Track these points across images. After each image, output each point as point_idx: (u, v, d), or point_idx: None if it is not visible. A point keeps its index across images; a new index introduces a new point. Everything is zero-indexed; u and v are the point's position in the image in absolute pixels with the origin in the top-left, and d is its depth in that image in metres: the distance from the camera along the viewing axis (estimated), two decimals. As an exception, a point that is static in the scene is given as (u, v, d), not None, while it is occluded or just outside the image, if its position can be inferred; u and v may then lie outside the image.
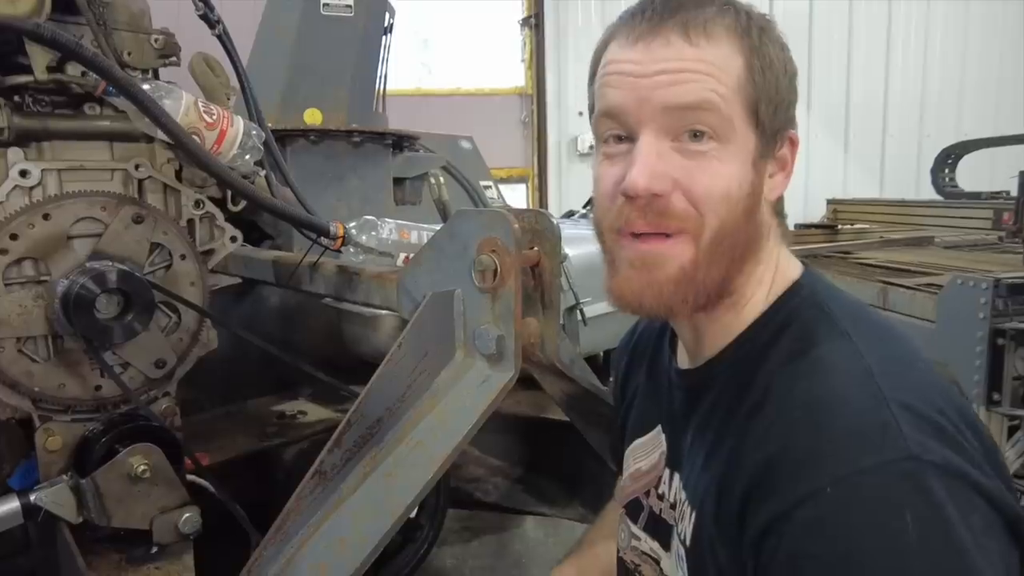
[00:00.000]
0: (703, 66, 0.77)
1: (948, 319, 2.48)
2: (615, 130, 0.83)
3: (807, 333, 0.81)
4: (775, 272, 0.88)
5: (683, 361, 0.97)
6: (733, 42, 0.78)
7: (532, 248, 1.06)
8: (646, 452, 1.04)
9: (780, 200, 0.89)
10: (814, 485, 0.67)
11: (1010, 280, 2.34)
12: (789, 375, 0.78)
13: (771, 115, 0.81)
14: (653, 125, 0.79)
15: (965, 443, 0.69)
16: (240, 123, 1.17)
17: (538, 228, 1.07)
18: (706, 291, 0.83)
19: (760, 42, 0.80)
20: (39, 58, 0.99)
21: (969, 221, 4.85)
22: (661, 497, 0.97)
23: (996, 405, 2.32)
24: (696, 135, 0.78)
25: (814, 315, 0.83)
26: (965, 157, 6.25)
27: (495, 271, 0.98)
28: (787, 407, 0.75)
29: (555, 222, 1.08)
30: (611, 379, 1.23)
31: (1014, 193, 4.15)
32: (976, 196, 5.59)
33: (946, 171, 6.14)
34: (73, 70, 1.06)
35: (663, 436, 1.00)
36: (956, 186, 6.11)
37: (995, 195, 5.38)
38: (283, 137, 2.12)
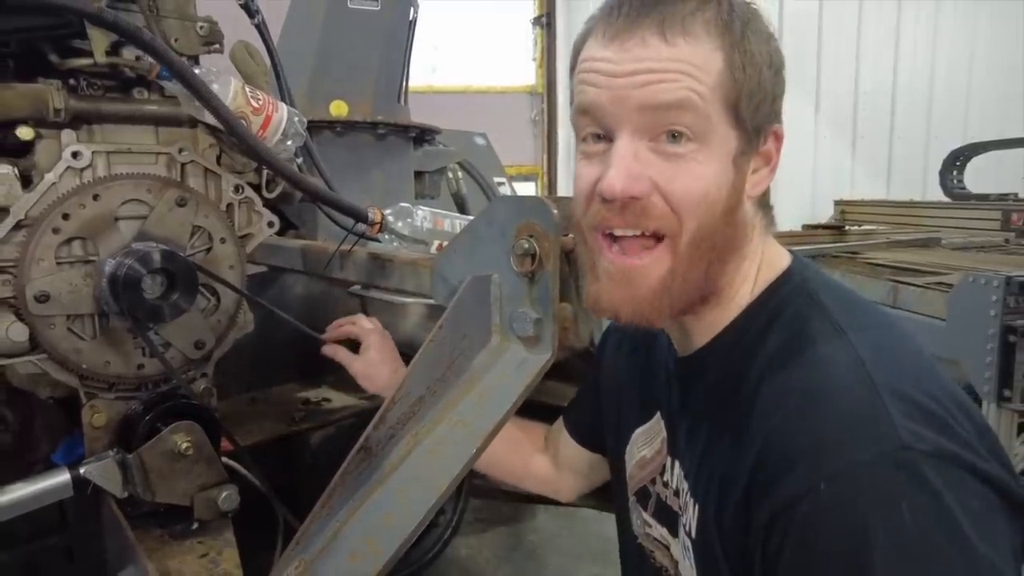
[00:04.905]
0: (680, 65, 0.74)
1: (959, 316, 2.49)
2: (592, 128, 0.81)
3: (798, 323, 0.80)
4: (760, 265, 0.87)
5: (678, 349, 0.97)
6: (713, 38, 0.75)
7: (567, 235, 1.08)
8: (648, 439, 1.04)
9: (766, 193, 0.86)
10: (811, 480, 0.67)
11: (1022, 278, 2.35)
12: (782, 366, 0.77)
13: (753, 111, 0.78)
14: (630, 125, 0.76)
15: (957, 426, 0.68)
16: (284, 109, 1.20)
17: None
18: (686, 297, 0.82)
19: (743, 36, 0.76)
20: (99, 42, 1.02)
21: (977, 222, 4.87)
22: (666, 485, 0.98)
23: (1007, 402, 2.33)
24: (674, 136, 0.76)
25: (804, 304, 0.82)
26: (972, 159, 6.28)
27: (534, 255, 1.00)
28: (780, 399, 0.75)
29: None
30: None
31: (1023, 195, 4.17)
32: (984, 198, 5.62)
33: (955, 173, 6.16)
34: (128, 54, 1.09)
35: (663, 423, 1.01)
36: (964, 188, 6.13)
37: (1003, 197, 5.40)
38: (309, 129, 2.13)
